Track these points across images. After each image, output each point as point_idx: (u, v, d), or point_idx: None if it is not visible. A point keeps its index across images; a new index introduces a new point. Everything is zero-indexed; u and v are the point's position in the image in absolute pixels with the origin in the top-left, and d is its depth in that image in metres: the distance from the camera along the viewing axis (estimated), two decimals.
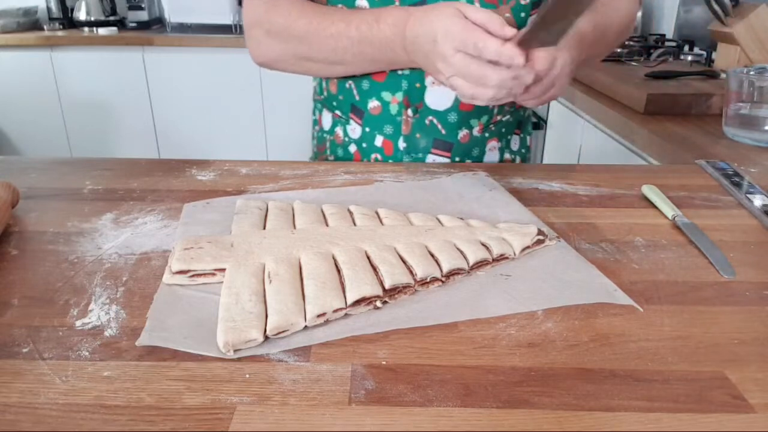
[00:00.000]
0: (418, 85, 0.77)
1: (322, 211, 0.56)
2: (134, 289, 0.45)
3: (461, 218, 0.56)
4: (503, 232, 0.52)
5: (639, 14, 2.22)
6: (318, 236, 0.50)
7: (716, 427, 0.32)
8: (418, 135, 0.81)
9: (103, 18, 2.99)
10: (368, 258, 0.47)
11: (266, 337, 0.39)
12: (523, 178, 0.70)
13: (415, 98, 0.78)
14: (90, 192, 0.65)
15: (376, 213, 0.56)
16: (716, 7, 1.31)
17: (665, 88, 1.22)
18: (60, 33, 2.89)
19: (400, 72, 0.77)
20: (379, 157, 0.83)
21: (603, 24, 0.72)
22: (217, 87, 2.70)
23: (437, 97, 0.78)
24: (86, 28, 2.96)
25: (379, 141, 0.82)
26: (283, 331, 0.39)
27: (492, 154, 0.85)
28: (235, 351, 0.37)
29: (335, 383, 0.35)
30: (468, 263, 0.47)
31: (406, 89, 0.78)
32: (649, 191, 0.63)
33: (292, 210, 0.56)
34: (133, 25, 3.01)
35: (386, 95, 0.79)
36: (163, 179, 0.66)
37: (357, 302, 0.42)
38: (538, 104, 0.66)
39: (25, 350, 0.38)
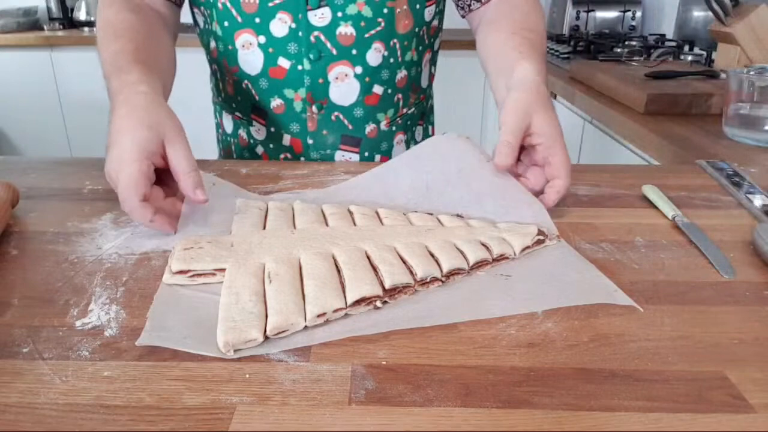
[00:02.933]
0: (321, 80, 0.76)
1: (322, 211, 0.56)
2: (134, 289, 0.45)
3: (460, 216, 0.56)
4: (503, 232, 0.52)
5: (639, 14, 2.22)
6: (318, 236, 0.50)
7: (716, 427, 0.32)
8: (324, 131, 0.80)
9: None
10: (368, 258, 0.47)
11: (266, 337, 0.39)
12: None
13: (319, 94, 0.77)
14: (90, 192, 0.65)
15: (376, 213, 0.56)
16: (716, 7, 1.31)
17: (665, 88, 1.22)
18: (60, 33, 2.89)
19: (300, 67, 0.75)
20: (288, 156, 0.82)
21: (545, 60, 0.70)
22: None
23: (341, 93, 0.77)
24: (86, 28, 2.96)
25: (286, 140, 0.81)
26: (283, 331, 0.39)
27: (399, 148, 0.86)
28: (235, 351, 0.37)
29: (335, 383, 0.35)
30: (468, 263, 0.47)
31: (308, 85, 0.76)
32: (650, 191, 0.63)
33: (292, 210, 0.56)
34: None
35: (289, 92, 0.77)
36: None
37: (357, 302, 0.42)
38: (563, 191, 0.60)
39: (25, 350, 0.38)
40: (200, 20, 0.80)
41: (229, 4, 0.73)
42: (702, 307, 0.44)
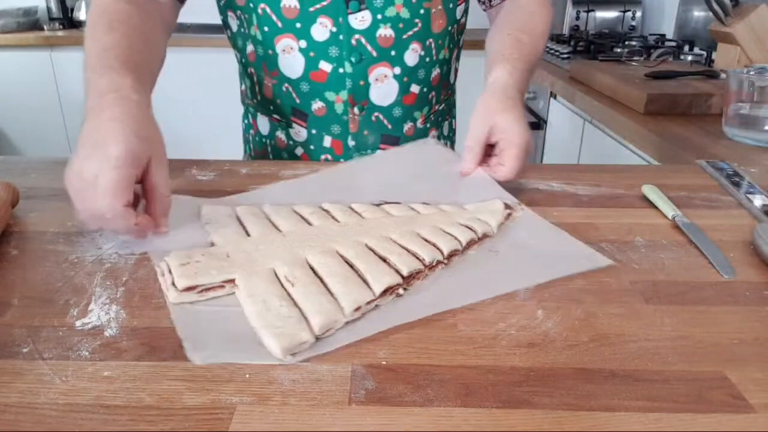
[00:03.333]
0: (362, 82, 0.77)
1: (298, 213, 0.55)
2: (134, 289, 0.45)
3: (426, 204, 0.58)
4: (476, 213, 0.56)
5: (639, 14, 2.22)
6: (312, 236, 0.50)
7: (716, 427, 0.32)
8: (366, 132, 0.81)
9: None
10: (372, 250, 0.48)
11: (316, 338, 0.39)
12: (523, 179, 0.70)
13: (359, 96, 0.78)
14: None
15: (350, 208, 0.57)
16: (716, 7, 1.31)
17: (665, 88, 1.22)
18: (60, 33, 2.89)
19: (341, 70, 0.76)
20: (329, 157, 0.83)
21: (532, 62, 0.73)
22: (217, 87, 2.70)
23: (381, 94, 0.79)
24: None
25: (327, 141, 0.81)
26: (329, 330, 0.39)
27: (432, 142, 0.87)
28: (292, 355, 0.37)
29: (335, 383, 0.35)
30: (461, 244, 0.50)
31: (350, 88, 0.77)
32: (650, 191, 0.63)
33: (264, 213, 0.55)
34: None
35: (330, 95, 0.78)
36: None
37: (383, 292, 0.43)
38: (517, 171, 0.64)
39: (25, 350, 0.38)
40: (233, 24, 0.80)
41: (269, 10, 0.74)
42: (702, 307, 0.44)
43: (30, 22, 2.98)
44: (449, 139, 0.93)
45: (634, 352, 0.38)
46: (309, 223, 0.54)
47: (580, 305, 0.43)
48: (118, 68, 0.56)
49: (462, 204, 0.59)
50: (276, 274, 0.45)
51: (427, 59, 0.79)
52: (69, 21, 3.04)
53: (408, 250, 0.48)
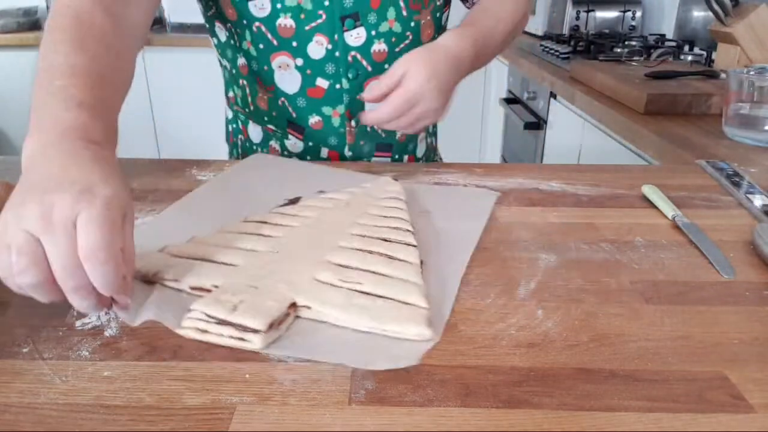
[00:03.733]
0: (359, 97, 0.78)
1: (253, 232, 0.52)
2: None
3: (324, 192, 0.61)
4: (378, 197, 0.59)
5: (639, 14, 2.22)
6: (307, 242, 0.49)
7: (716, 427, 0.32)
8: (362, 142, 0.82)
9: None
10: (362, 236, 0.51)
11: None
12: (523, 178, 0.70)
13: (356, 110, 0.79)
14: None
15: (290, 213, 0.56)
16: (716, 7, 1.31)
17: (665, 88, 1.22)
18: None
19: (338, 86, 0.77)
20: None
21: (484, 37, 0.72)
22: (217, 87, 2.70)
23: (376, 106, 0.76)
24: None
25: (324, 153, 0.82)
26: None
27: (421, 145, 0.89)
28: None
29: (335, 383, 0.35)
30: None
31: (347, 102, 0.78)
32: (649, 191, 0.63)
33: (217, 243, 0.49)
34: None
35: (327, 110, 0.78)
36: (163, 179, 0.66)
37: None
38: (415, 131, 0.67)
39: (25, 350, 0.38)
40: (221, 34, 0.80)
41: (264, 28, 0.74)
42: (702, 307, 0.44)
43: (30, 23, 2.98)
44: (433, 136, 0.94)
45: (634, 352, 0.38)
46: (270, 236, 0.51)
47: (580, 305, 0.43)
48: (86, 100, 0.46)
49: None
50: (326, 282, 0.44)
51: None
52: None
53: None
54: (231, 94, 0.87)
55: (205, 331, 0.39)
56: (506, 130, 2.32)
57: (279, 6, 0.72)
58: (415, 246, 0.49)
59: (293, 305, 0.41)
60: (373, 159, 0.84)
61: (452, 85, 0.67)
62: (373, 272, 0.45)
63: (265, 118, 0.83)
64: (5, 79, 2.79)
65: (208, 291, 0.43)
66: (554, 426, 0.32)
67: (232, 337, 0.38)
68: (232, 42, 0.79)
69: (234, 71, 0.82)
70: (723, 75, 1.29)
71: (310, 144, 0.82)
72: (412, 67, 0.63)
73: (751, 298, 0.45)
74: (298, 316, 0.41)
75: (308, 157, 0.83)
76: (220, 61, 0.86)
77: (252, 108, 0.83)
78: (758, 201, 0.62)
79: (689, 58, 1.63)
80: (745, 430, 0.32)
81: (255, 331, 0.38)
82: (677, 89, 1.20)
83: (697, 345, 0.39)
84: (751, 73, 0.97)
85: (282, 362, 0.37)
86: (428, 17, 0.78)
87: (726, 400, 0.34)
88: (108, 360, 0.37)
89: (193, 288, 0.43)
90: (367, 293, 0.43)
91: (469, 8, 0.86)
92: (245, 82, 0.82)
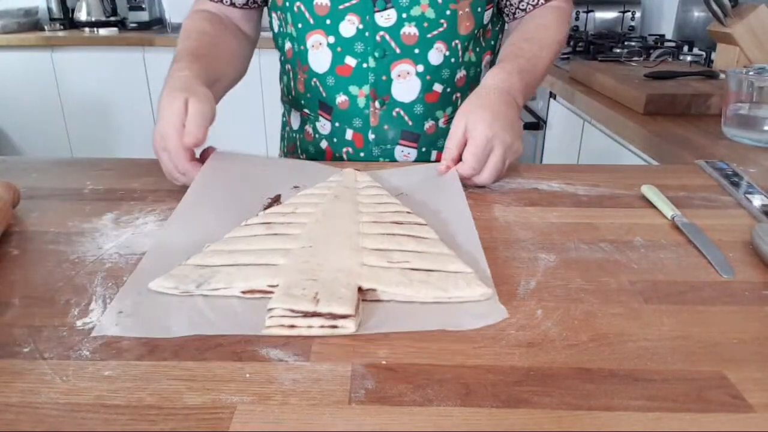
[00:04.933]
0: (384, 77, 0.79)
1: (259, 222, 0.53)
2: None
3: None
4: (357, 188, 0.60)
5: (638, 14, 2.22)
6: (334, 236, 0.50)
7: (715, 426, 0.32)
8: (386, 126, 0.82)
9: (103, 18, 3.00)
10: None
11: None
12: (523, 179, 0.70)
13: (382, 91, 0.80)
14: (91, 192, 0.65)
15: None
16: (715, 7, 1.31)
17: (665, 88, 1.22)
18: (61, 33, 2.89)
19: (365, 65, 0.78)
20: (350, 150, 0.85)
21: (532, 66, 0.76)
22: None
23: (403, 90, 0.80)
24: (87, 29, 2.97)
25: (349, 134, 0.83)
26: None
27: None
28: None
29: (335, 383, 0.35)
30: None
31: (372, 82, 0.79)
32: (649, 191, 0.63)
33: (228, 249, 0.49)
34: (134, 25, 3.01)
35: (353, 89, 0.80)
36: (163, 179, 0.66)
37: None
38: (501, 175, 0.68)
39: (26, 350, 0.38)
40: (275, 25, 0.86)
41: (303, 7, 0.78)
42: (701, 307, 0.44)
43: (31, 23, 2.98)
44: None
45: (633, 352, 0.38)
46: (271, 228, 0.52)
47: (579, 305, 0.43)
48: (179, 59, 0.71)
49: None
50: (376, 265, 0.46)
51: (452, 60, 0.80)
52: (70, 21, 3.04)
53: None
54: (281, 85, 0.92)
55: (292, 326, 0.40)
56: None
57: None
58: (425, 224, 0.52)
59: (359, 290, 0.43)
60: (398, 148, 0.84)
61: (515, 120, 0.69)
62: (410, 251, 0.48)
63: (302, 102, 0.86)
64: (5, 79, 2.79)
65: (263, 292, 0.43)
66: (554, 425, 0.32)
67: (323, 326, 0.40)
68: (281, 29, 0.84)
69: (283, 58, 0.87)
70: (722, 75, 1.29)
71: (336, 125, 0.84)
72: (471, 117, 0.65)
73: (750, 298, 0.45)
74: (364, 300, 0.43)
75: (334, 140, 0.85)
76: (279, 57, 0.90)
77: (294, 94, 0.87)
78: (757, 201, 0.62)
79: (688, 58, 1.64)
80: (744, 430, 0.32)
81: (344, 316, 0.40)
82: (676, 89, 1.20)
83: (696, 345, 0.39)
84: (751, 73, 0.97)
85: (282, 362, 0.37)
86: (467, 9, 0.78)
87: (725, 399, 0.34)
88: (109, 360, 0.37)
89: (244, 292, 0.44)
90: (418, 269, 0.45)
91: (508, 21, 0.87)
92: (290, 67, 0.86)
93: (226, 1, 0.84)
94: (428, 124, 0.83)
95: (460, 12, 0.78)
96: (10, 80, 2.79)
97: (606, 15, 2.24)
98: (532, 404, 0.34)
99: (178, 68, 0.69)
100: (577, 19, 2.24)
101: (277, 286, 0.43)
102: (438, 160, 0.84)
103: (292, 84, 0.87)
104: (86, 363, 0.37)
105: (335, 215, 0.54)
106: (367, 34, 0.77)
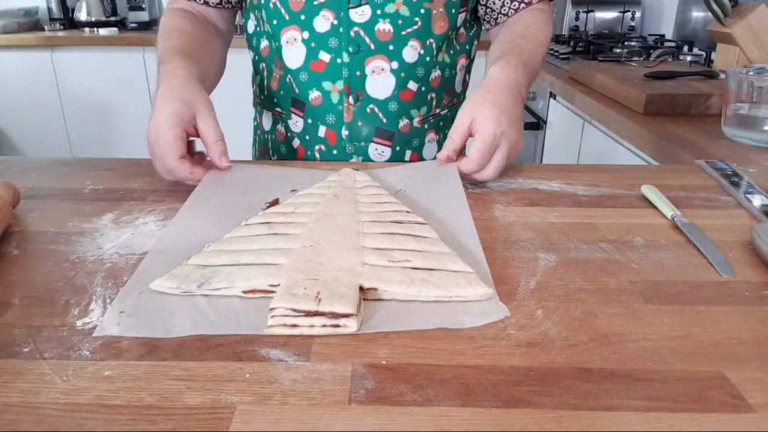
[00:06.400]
0: (358, 73, 0.79)
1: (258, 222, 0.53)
2: None
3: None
4: (355, 188, 0.61)
5: (638, 14, 2.22)
6: (335, 235, 0.50)
7: (715, 426, 0.32)
8: (360, 123, 0.82)
9: (103, 18, 3.00)
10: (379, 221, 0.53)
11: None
12: (523, 178, 0.70)
13: (355, 86, 0.79)
14: (91, 192, 0.65)
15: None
16: (715, 7, 1.31)
17: (665, 88, 1.22)
18: (61, 33, 2.89)
19: (339, 60, 0.78)
20: (323, 148, 0.84)
21: (532, 63, 0.76)
22: (217, 87, 2.70)
23: (378, 86, 0.80)
24: (87, 29, 2.96)
25: (321, 131, 0.83)
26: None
27: (431, 147, 0.88)
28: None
29: (335, 383, 0.35)
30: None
31: (346, 77, 0.79)
32: (649, 191, 0.63)
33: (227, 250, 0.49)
34: (134, 25, 3.01)
35: (327, 84, 0.80)
36: (163, 179, 0.66)
37: None
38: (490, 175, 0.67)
39: (25, 350, 0.38)
40: (252, 24, 0.85)
41: (279, 4, 0.78)
42: (701, 307, 0.44)
43: (31, 23, 2.98)
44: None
45: (633, 352, 0.38)
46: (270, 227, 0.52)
47: (579, 305, 0.43)
48: (169, 58, 0.71)
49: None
50: (377, 264, 0.46)
51: (427, 59, 0.80)
52: (70, 21, 3.04)
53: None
54: (254, 87, 0.92)
55: (294, 326, 0.40)
56: None
57: None
58: (425, 223, 0.53)
59: (360, 289, 0.43)
60: (371, 146, 0.83)
61: (520, 116, 0.69)
62: (411, 250, 0.48)
63: (275, 100, 0.86)
64: (5, 79, 2.79)
65: (264, 292, 0.43)
66: (554, 425, 0.32)
67: (324, 326, 0.40)
68: (258, 28, 0.84)
69: (257, 58, 0.87)
70: (722, 75, 1.29)
71: (309, 122, 0.83)
72: (480, 112, 0.65)
73: (750, 298, 0.45)
74: (365, 299, 0.43)
75: (306, 137, 0.84)
76: (252, 58, 0.89)
77: (267, 92, 0.87)
78: (757, 201, 0.62)
79: (688, 58, 1.64)
80: (744, 430, 0.32)
81: (346, 315, 0.40)
82: (676, 89, 1.20)
83: (696, 345, 0.39)
84: (750, 73, 0.97)
85: (282, 362, 0.37)
86: (441, 9, 0.78)
87: (725, 399, 0.34)
88: (109, 360, 0.37)
89: (245, 292, 0.44)
90: (419, 268, 0.45)
91: (489, 27, 0.87)
92: (264, 66, 0.85)
93: (200, 0, 0.84)
94: (402, 123, 0.83)
95: (434, 11, 0.78)
96: (10, 80, 2.79)
97: (606, 15, 2.24)
98: (532, 404, 0.34)
99: (174, 67, 0.69)
100: (577, 19, 2.24)
101: (279, 285, 0.43)
102: (413, 160, 0.84)
103: (265, 83, 0.86)
104: (86, 363, 0.37)
105: (335, 214, 0.54)
106: (341, 29, 0.76)
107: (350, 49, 0.77)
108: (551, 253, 0.52)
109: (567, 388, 0.35)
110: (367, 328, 0.40)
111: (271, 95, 0.86)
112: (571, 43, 1.97)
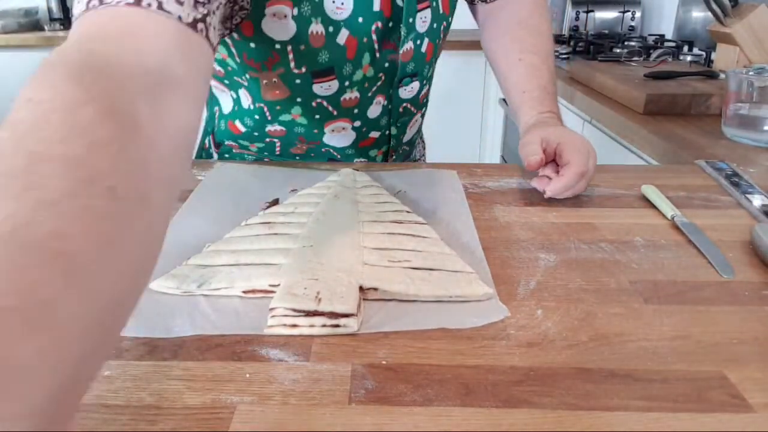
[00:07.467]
0: (315, 131, 0.72)
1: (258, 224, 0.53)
2: None
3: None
4: (356, 188, 0.61)
5: (638, 14, 2.22)
6: (335, 235, 0.50)
7: (715, 426, 0.32)
8: (312, 155, 0.76)
9: None
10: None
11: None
12: (523, 179, 0.70)
13: (311, 137, 0.73)
14: None
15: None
16: (715, 7, 1.31)
17: (665, 88, 1.22)
18: (61, 33, 2.89)
19: (296, 129, 0.72)
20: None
21: (550, 87, 0.76)
22: None
23: (336, 139, 0.74)
24: None
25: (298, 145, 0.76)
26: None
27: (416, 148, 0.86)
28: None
29: (335, 383, 0.35)
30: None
31: (302, 132, 0.73)
32: (649, 191, 0.63)
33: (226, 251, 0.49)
34: None
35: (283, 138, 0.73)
36: None
37: None
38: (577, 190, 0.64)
39: None
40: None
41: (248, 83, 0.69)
42: (701, 306, 0.44)
43: (31, 23, 2.98)
44: (421, 143, 0.91)
45: (633, 352, 0.38)
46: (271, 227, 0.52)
47: (579, 305, 0.43)
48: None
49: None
50: (378, 264, 0.46)
51: (390, 107, 0.74)
52: (70, 21, 3.03)
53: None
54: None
55: (294, 326, 0.40)
56: (506, 131, 2.32)
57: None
58: (425, 223, 0.53)
59: (360, 289, 0.43)
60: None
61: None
62: (411, 250, 0.48)
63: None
64: (5, 79, 2.78)
65: (264, 292, 0.43)
66: (554, 425, 0.32)
67: (324, 325, 0.40)
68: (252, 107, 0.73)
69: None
70: (722, 75, 1.29)
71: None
72: (571, 143, 0.64)
73: (750, 298, 0.45)
74: (365, 299, 0.43)
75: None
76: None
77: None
78: (757, 201, 0.62)
79: (688, 58, 1.64)
80: (744, 430, 0.32)
81: (346, 315, 0.40)
82: (676, 89, 1.20)
83: (696, 345, 0.39)
84: (750, 73, 0.97)
85: (282, 362, 0.37)
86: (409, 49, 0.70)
87: (725, 399, 0.34)
88: (108, 359, 0.37)
89: (245, 292, 0.44)
90: (419, 268, 0.45)
91: (471, 3, 0.81)
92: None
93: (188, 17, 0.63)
94: (359, 160, 0.77)
95: (399, 60, 0.69)
96: (10, 80, 2.79)
97: (606, 15, 2.24)
98: (532, 404, 0.34)
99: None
100: (577, 19, 2.24)
101: (279, 285, 0.43)
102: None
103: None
104: None
105: (335, 214, 0.54)
106: (299, 100, 0.68)
107: (308, 116, 0.70)
108: (551, 253, 0.52)
109: (567, 388, 0.35)
110: (367, 328, 0.40)
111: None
112: (571, 43, 1.97)
